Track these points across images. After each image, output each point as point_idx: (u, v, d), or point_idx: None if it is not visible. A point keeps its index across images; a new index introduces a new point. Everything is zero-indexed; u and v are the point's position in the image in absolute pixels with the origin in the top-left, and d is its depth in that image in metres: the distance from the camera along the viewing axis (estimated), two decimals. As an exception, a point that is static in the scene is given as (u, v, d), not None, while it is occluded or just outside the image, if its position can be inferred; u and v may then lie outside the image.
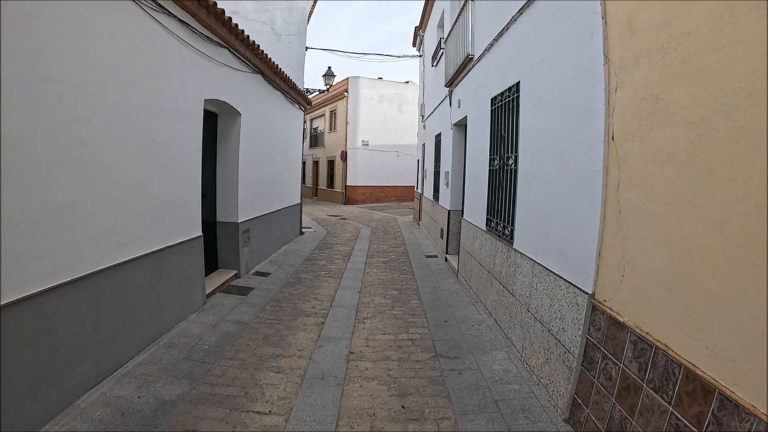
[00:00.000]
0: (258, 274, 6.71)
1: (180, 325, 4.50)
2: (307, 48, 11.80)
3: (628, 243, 2.39)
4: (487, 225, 5.03)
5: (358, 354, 3.91)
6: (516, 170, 4.06)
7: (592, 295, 2.71)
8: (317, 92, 11.41)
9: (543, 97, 3.47)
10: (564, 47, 3.18)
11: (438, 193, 9.17)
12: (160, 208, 4.11)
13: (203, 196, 5.88)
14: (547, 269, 3.27)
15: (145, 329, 3.90)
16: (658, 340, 2.17)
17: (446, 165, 8.16)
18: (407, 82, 24.19)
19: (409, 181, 23.37)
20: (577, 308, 2.84)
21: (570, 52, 3.07)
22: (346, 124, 22.34)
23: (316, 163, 27.09)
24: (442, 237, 8.33)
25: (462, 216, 7.15)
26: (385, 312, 5.03)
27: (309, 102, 10.42)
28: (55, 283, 2.78)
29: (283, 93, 8.35)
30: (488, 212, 4.98)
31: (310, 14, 12.28)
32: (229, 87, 5.75)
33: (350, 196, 22.55)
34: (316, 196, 26.72)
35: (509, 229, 4.21)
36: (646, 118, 2.29)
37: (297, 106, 9.67)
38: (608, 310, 2.55)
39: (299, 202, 10.49)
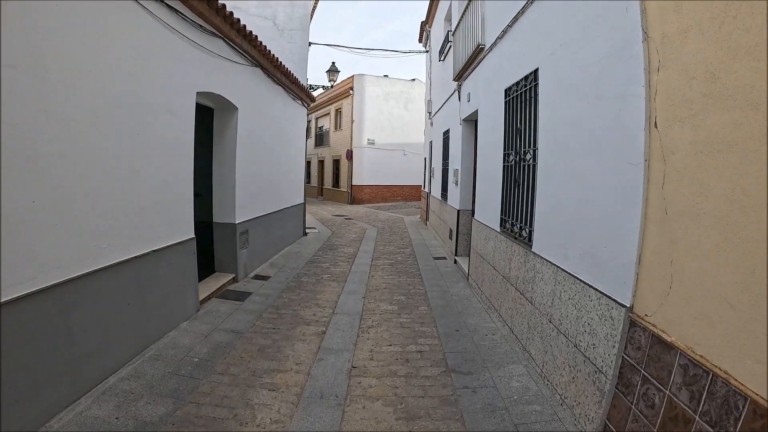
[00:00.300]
0: (257, 277, 6.38)
1: (170, 335, 4.18)
2: (310, 44, 11.48)
3: (677, 248, 2.02)
4: (501, 226, 4.66)
5: (361, 368, 3.56)
6: (535, 166, 3.70)
7: (630, 309, 2.34)
8: (321, 88, 11.07)
9: (568, 84, 3.10)
10: (592, 26, 2.80)
11: (446, 192, 8.81)
12: (146, 209, 3.79)
13: (197, 195, 5.57)
14: (574, 276, 2.90)
15: (130, 340, 3.59)
16: (716, 366, 1.80)
17: (455, 162, 7.79)
18: (413, 79, 23.84)
19: (416, 180, 22.99)
20: (611, 323, 2.47)
21: (600, 31, 2.70)
22: (352, 122, 22.01)
23: (321, 163, 26.80)
24: (451, 238, 7.97)
25: (473, 216, 6.78)
26: (391, 320, 4.68)
27: (312, 98, 10.09)
28: (19, 294, 2.45)
29: (284, 88, 8.03)
30: (502, 212, 4.62)
31: (314, 9, 11.96)
32: (225, 80, 5.43)
33: (356, 195, 22.22)
34: (322, 195, 26.43)
35: (527, 230, 3.85)
36: (699, 100, 1.92)
37: (300, 102, 9.35)
38: (651, 327, 2.18)
39: (303, 201, 10.17)
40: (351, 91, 21.93)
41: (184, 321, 4.56)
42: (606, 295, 2.53)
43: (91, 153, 3.05)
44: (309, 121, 28.77)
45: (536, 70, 3.71)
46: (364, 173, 22.17)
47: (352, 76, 22.22)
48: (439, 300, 5.38)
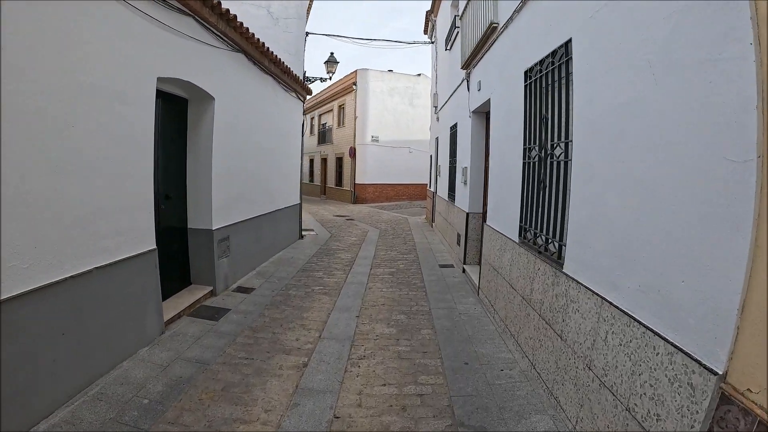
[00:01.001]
0: (240, 290, 5.66)
1: (123, 366, 3.50)
2: (307, 33, 10.74)
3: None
4: (520, 235, 3.89)
5: (345, 420, 2.82)
6: (567, 163, 2.93)
7: (724, 377, 1.57)
8: (318, 80, 10.33)
9: (617, 54, 2.32)
10: (656, -30, 2.02)
11: (454, 193, 8.03)
12: (85, 217, 3.08)
13: (166, 197, 4.88)
14: (629, 315, 2.13)
15: (67, 377, 2.91)
16: None
17: (464, 160, 7.02)
18: (419, 74, 23.04)
19: (422, 178, 22.18)
20: (690, 392, 1.70)
21: (670, -26, 1.92)
22: (355, 119, 21.26)
23: (324, 161, 26.08)
24: (459, 243, 7.20)
25: (484, 221, 6.01)
26: (387, 348, 3.93)
27: (309, 91, 9.35)
28: None
29: (275, 78, 7.29)
30: (522, 219, 3.85)
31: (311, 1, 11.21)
32: (198, 66, 4.70)
33: (359, 194, 21.49)
34: (325, 194, 25.72)
35: (556, 244, 3.08)
36: None
37: (294, 95, 8.61)
38: (757, 410, 1.41)
39: (299, 202, 9.45)
40: (354, 87, 21.16)
41: (144, 347, 3.87)
42: (683, 351, 1.76)
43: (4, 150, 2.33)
44: (312, 119, 28.09)
45: (568, 42, 2.93)
46: (368, 171, 21.41)
47: (355, 70, 21.45)
48: (445, 320, 4.62)
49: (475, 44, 5.78)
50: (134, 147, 3.65)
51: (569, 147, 2.89)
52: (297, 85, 8.47)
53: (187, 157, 5.19)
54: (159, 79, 4.03)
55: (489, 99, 5.39)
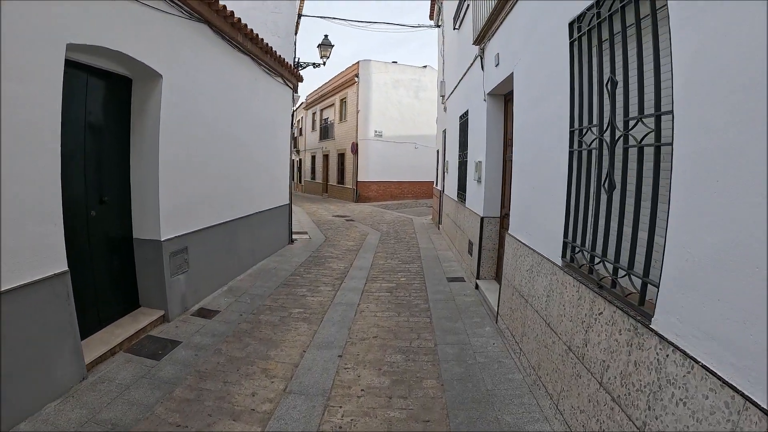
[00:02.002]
0: (201, 313, 4.59)
1: (20, 429, 2.50)
2: (300, 15, 9.64)
3: None
4: (564, 256, 2.76)
5: None
6: (660, 150, 1.79)
7: None
8: (311, 66, 9.23)
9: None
10: None
11: (464, 192, 6.89)
12: None
13: (100, 201, 3.82)
14: None
15: None
16: None
17: (477, 153, 5.88)
18: (425, 66, 21.87)
19: (428, 176, 21.02)
20: None
21: None
22: (357, 112, 20.14)
23: (326, 157, 25.00)
24: (470, 253, 6.07)
25: (505, 229, 4.89)
26: (374, 413, 2.81)
27: (298, 77, 8.25)
28: None
29: (255, 60, 6.19)
30: (568, 232, 2.71)
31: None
32: (135, 33, 3.63)
33: (362, 193, 20.38)
34: (326, 192, 24.65)
35: (636, 280, 1.95)
36: None
37: (281, 80, 7.51)
38: None
39: (287, 203, 8.36)
40: (356, 79, 20.04)
41: (54, 401, 2.91)
42: None
43: None
44: (314, 114, 27.02)
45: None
46: (371, 168, 20.29)
47: (357, 62, 20.32)
48: (455, 364, 3.49)
49: (491, 11, 4.65)
50: (28, 138, 2.59)
51: (659, 123, 1.75)
52: (284, 69, 7.37)
53: (131, 150, 4.12)
54: (72, 47, 2.97)
55: (511, 74, 4.26)
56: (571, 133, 2.72)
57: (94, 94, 3.65)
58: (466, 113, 6.91)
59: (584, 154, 2.57)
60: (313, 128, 27.38)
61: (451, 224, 8.38)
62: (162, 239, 4.17)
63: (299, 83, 8.58)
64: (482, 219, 5.38)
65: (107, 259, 3.92)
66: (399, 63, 21.42)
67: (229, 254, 5.63)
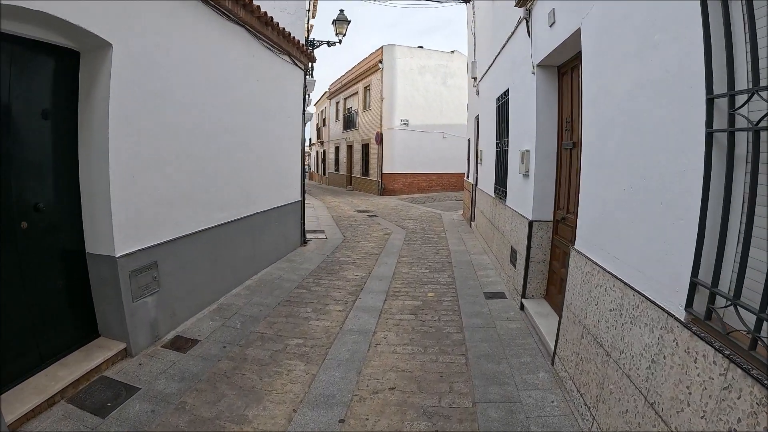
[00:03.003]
0: (175, 343, 3.68)
1: None
2: (315, -12, 8.60)
3: None
4: (695, 306, 1.65)
5: None
6: None
7: None
8: (325, 44, 8.20)
9: None
10: None
11: (504, 188, 5.74)
12: None
13: (35, 209, 2.94)
14: None
15: None
16: None
17: (522, 140, 4.72)
18: (453, 51, 20.52)
19: (457, 167, 19.74)
20: None
21: None
22: (381, 100, 19.02)
23: (349, 148, 24.03)
24: (513, 263, 4.95)
25: (561, 237, 3.79)
26: None
27: (310, 57, 7.23)
28: None
29: (252, 33, 5.20)
30: (702, 268, 1.58)
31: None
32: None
33: (387, 185, 19.32)
34: (350, 185, 23.70)
35: None
36: None
37: (288, 59, 6.50)
38: None
39: (299, 199, 7.40)
40: (380, 65, 18.90)
41: None
42: None
43: None
44: (337, 103, 26.06)
45: None
46: (396, 159, 19.18)
47: (381, 47, 19.16)
48: (505, 442, 2.43)
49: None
50: None
51: None
52: (291, 46, 6.36)
53: (79, 144, 3.20)
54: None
55: (576, 31, 3.11)
56: (710, 102, 1.59)
57: (18, 71, 2.73)
58: (506, 93, 5.75)
59: (741, 137, 1.46)
60: (337, 118, 26.44)
61: (487, 224, 7.24)
62: (117, 255, 3.25)
63: (312, 64, 7.58)
64: (531, 223, 4.24)
65: (49, 281, 3.03)
66: (425, 48, 20.14)
67: (219, 265, 4.70)
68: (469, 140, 11.19)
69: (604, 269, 2.48)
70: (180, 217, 3.97)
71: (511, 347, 3.60)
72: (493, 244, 6.47)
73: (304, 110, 7.31)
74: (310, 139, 40.74)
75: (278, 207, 6.37)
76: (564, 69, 4.05)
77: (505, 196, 5.59)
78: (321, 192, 22.15)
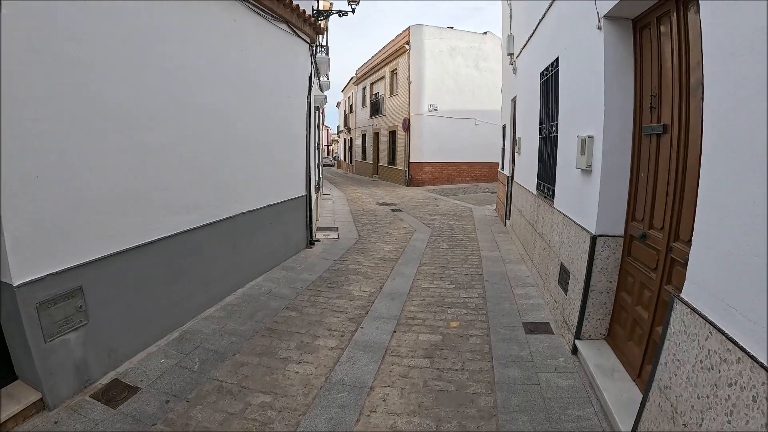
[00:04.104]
0: (109, 392, 2.76)
1: None
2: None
3: None
4: None
5: None
6: None
7: None
8: (336, 14, 7.10)
9: None
10: None
11: (552, 185, 4.54)
12: None
13: None
14: None
15: None
16: None
17: (581, 123, 3.50)
18: (485, 32, 18.99)
19: (491, 156, 18.31)
20: None
21: None
22: (409, 84, 17.78)
23: (376, 135, 22.92)
24: (563, 286, 3.76)
25: (635, 259, 2.57)
26: None
27: (316, 27, 6.15)
28: None
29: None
30: None
31: None
32: None
33: (414, 175, 18.15)
34: (377, 174, 22.63)
35: None
36: None
37: (288, 28, 5.45)
38: None
39: (304, 193, 6.40)
40: (407, 47, 17.62)
41: None
42: None
43: None
44: (363, 89, 24.94)
45: None
46: (425, 148, 17.94)
47: (408, 27, 17.86)
48: None
49: None
50: None
51: None
52: (290, 13, 5.30)
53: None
54: None
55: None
56: None
57: None
58: (553, 65, 4.51)
59: None
60: (364, 104, 25.33)
61: (526, 226, 6.04)
62: (15, 284, 2.32)
63: (323, 37, 6.50)
64: (594, 238, 3.06)
65: None
66: (455, 29, 18.67)
67: (184, 282, 3.75)
68: (504, 126, 9.89)
69: (754, 359, 1.33)
70: (120, 226, 3.02)
71: (562, 422, 2.47)
72: (533, 253, 5.29)
73: (310, 90, 6.27)
74: (338, 127, 39.83)
75: (274, 205, 5.38)
76: (644, 21, 2.83)
77: (553, 196, 4.39)
78: (345, 182, 21.20)
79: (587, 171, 3.23)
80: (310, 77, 6.32)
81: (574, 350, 3.26)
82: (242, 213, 4.63)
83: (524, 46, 6.77)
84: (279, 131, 5.45)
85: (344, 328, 3.79)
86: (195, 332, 3.61)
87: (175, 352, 3.29)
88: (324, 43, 8.54)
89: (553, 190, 4.37)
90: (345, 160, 33.21)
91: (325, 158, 50.29)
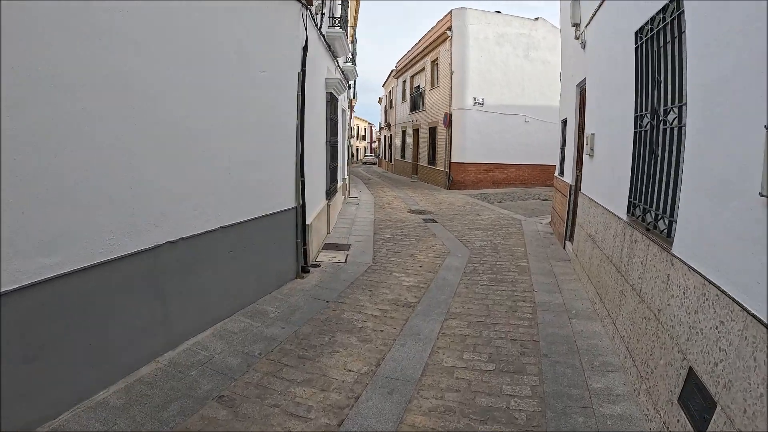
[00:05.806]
0: None
1: None
2: None
3: None
4: None
5: None
6: None
7: None
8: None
9: None
10: None
11: (666, 212, 2.68)
12: None
13: None
14: None
15: None
16: None
17: (750, 104, 1.66)
18: (536, 18, 16.85)
19: (543, 158, 16.17)
20: None
21: None
22: (451, 74, 15.91)
23: (416, 132, 21.17)
24: (691, 416, 1.93)
25: None
26: None
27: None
28: None
29: None
30: None
31: None
32: None
33: (455, 177, 16.27)
34: (416, 174, 20.87)
35: None
36: None
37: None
38: None
39: (293, 205, 4.82)
40: (449, 33, 15.77)
41: None
42: None
43: None
44: (404, 82, 23.30)
45: None
46: (468, 146, 16.02)
47: (450, 11, 15.98)
48: None
49: None
50: None
51: None
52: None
53: None
54: None
55: None
56: None
57: None
58: (668, 9, 2.65)
59: None
60: (403, 99, 23.66)
61: (604, 264, 4.14)
62: None
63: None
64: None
65: None
66: (503, 13, 16.61)
67: (40, 364, 2.23)
68: (563, 121, 7.91)
69: None
70: None
71: None
72: (618, 311, 3.41)
73: (303, 69, 4.67)
74: (379, 123, 38.27)
75: (237, 225, 3.82)
76: None
77: (670, 232, 2.54)
78: (381, 182, 19.59)
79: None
80: (305, 48, 4.72)
81: None
82: (170, 242, 3.08)
83: (599, 8, 4.89)
84: (244, 119, 3.88)
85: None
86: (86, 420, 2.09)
87: None
88: (338, 14, 6.94)
89: (672, 223, 2.51)
90: (385, 158, 31.74)
91: (367, 156, 48.91)
